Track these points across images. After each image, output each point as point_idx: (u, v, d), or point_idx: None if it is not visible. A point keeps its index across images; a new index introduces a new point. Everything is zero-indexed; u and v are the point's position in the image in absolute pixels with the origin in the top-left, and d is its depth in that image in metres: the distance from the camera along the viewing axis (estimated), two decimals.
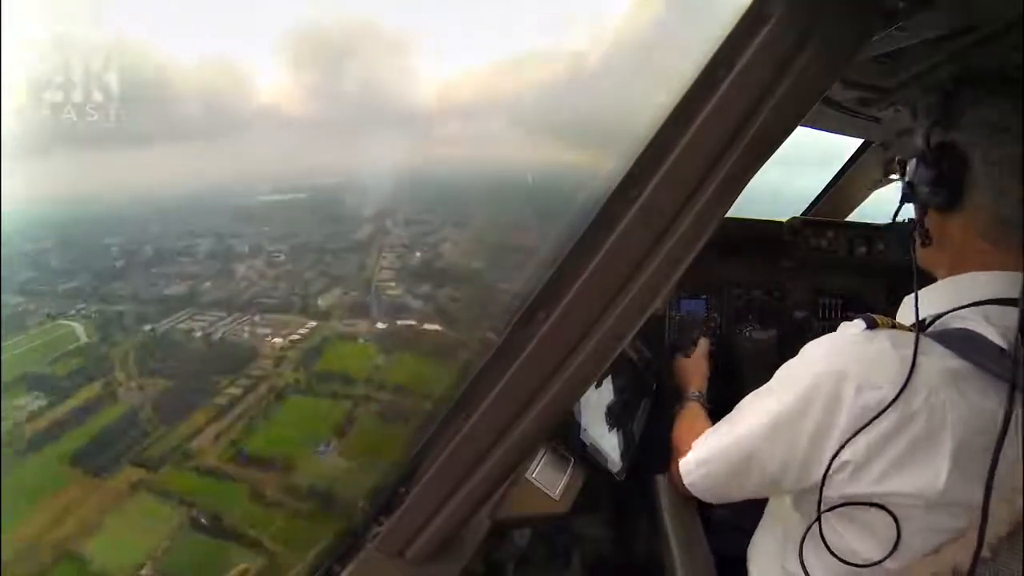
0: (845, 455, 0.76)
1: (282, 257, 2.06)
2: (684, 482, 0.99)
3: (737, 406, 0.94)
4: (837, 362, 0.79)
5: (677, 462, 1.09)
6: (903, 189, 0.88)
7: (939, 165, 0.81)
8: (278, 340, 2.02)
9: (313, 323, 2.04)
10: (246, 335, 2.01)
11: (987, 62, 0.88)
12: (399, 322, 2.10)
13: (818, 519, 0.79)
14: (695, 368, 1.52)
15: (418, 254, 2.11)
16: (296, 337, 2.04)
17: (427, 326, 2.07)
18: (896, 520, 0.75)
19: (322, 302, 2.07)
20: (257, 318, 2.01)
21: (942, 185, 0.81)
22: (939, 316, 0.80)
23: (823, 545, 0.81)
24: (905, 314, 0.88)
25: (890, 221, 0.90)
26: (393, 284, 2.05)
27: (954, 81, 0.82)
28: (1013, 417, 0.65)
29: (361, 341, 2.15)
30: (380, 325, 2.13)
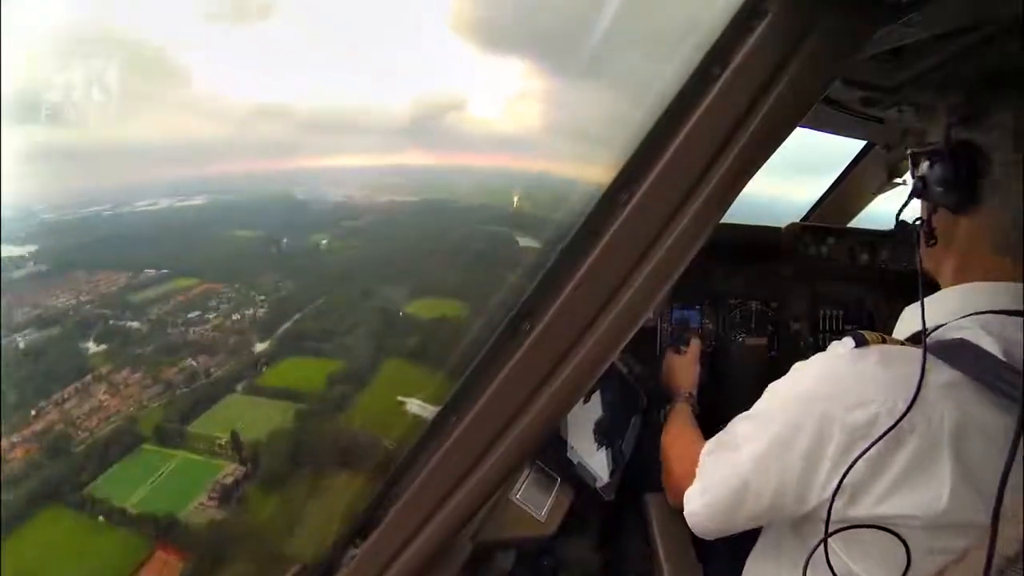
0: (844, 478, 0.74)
1: None
2: (684, 512, 0.96)
3: (729, 428, 0.91)
4: (825, 384, 0.78)
5: (666, 473, 1.06)
6: (914, 184, 0.85)
7: (957, 164, 0.78)
8: None
9: None
10: None
11: (1015, 62, 0.86)
12: None
13: (823, 542, 0.76)
14: (686, 367, 1.50)
15: None
16: None
17: None
18: (904, 543, 0.72)
19: None
20: None
21: (957, 185, 0.79)
22: (935, 328, 0.78)
23: (825, 570, 0.77)
24: (902, 328, 0.86)
25: (895, 225, 0.88)
26: None
27: (982, 79, 0.81)
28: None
29: None
30: None
